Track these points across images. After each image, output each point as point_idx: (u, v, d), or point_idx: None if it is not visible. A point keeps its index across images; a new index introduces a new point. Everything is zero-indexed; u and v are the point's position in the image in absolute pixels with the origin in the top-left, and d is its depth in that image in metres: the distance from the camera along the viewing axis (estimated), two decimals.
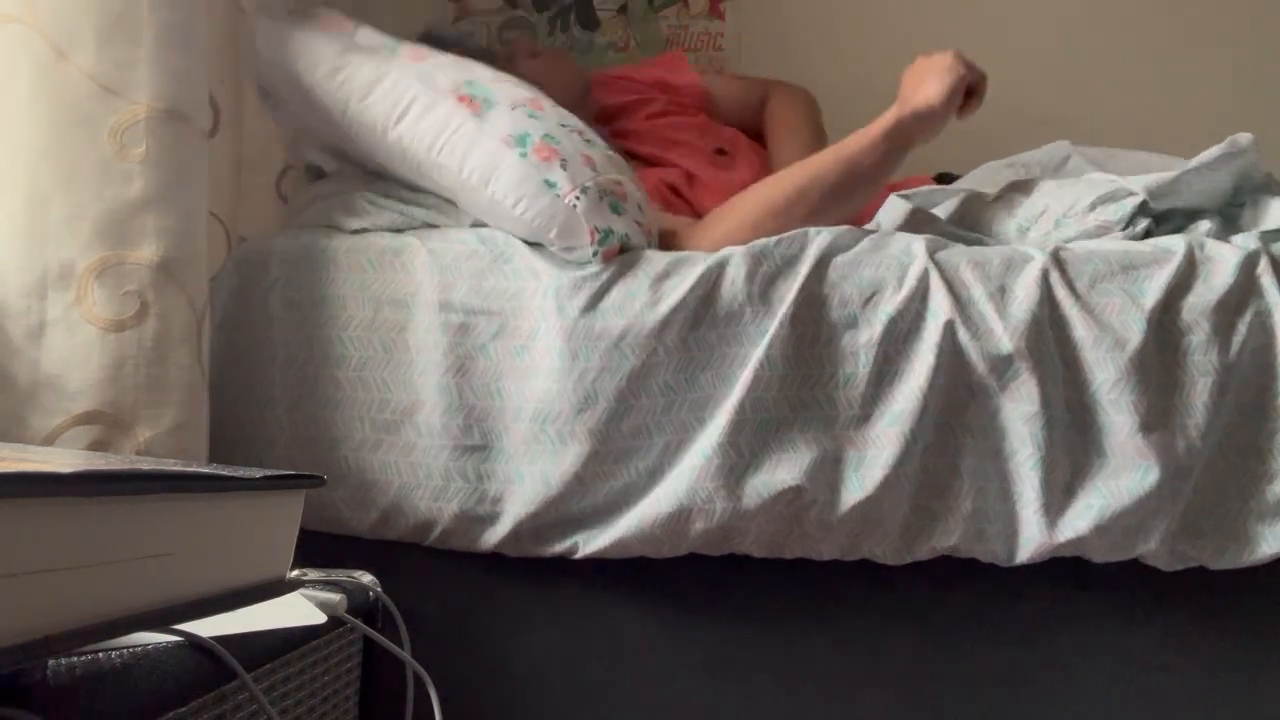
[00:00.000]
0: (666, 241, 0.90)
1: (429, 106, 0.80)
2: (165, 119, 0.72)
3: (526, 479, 0.77)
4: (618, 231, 0.80)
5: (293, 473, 0.48)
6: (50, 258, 0.69)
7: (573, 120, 0.87)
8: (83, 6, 0.69)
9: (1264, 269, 0.78)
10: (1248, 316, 0.77)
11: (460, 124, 0.80)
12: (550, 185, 0.78)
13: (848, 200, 0.89)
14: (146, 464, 0.44)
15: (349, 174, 0.91)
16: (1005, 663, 0.81)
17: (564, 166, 0.79)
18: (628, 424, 0.77)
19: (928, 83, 0.87)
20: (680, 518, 0.76)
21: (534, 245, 0.82)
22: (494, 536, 0.79)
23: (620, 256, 0.81)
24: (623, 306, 0.78)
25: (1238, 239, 0.82)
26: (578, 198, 0.78)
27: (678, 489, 0.76)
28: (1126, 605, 0.81)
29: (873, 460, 0.76)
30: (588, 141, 0.85)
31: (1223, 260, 0.79)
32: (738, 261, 0.79)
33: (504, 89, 0.84)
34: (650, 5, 1.78)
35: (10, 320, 0.69)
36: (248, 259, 0.86)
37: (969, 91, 0.89)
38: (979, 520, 0.76)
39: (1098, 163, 1.04)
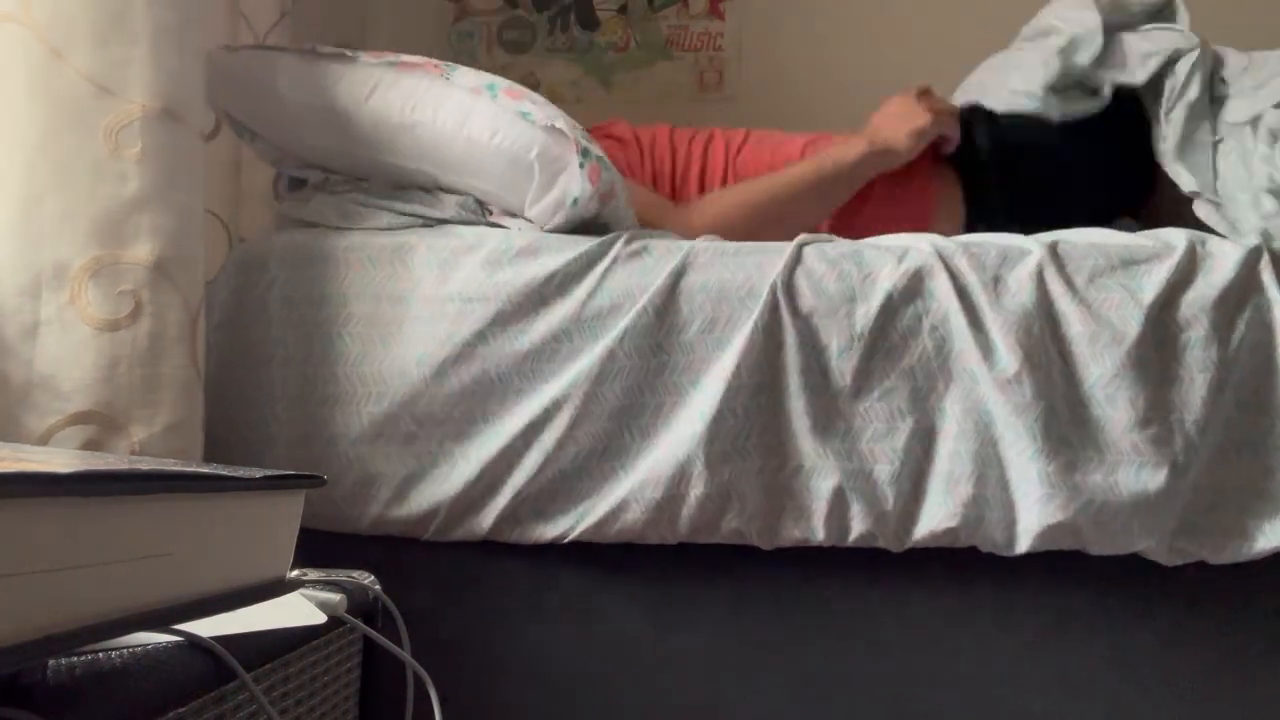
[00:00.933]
0: (646, 218, 0.94)
1: (398, 78, 0.84)
2: (160, 118, 0.71)
3: (523, 454, 0.78)
4: (593, 153, 0.83)
5: (292, 473, 0.48)
6: (44, 257, 0.69)
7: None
8: (78, 6, 0.69)
9: (1265, 265, 0.79)
10: (1247, 313, 0.77)
11: (429, 84, 0.83)
12: (524, 115, 0.82)
13: (808, 213, 1.01)
14: (146, 464, 0.44)
15: (335, 180, 0.92)
16: (1004, 660, 0.81)
17: (534, 102, 0.83)
18: (619, 384, 0.78)
19: (892, 126, 1.01)
20: (678, 481, 0.76)
21: (531, 239, 0.82)
22: (494, 512, 0.79)
23: (623, 242, 0.81)
24: (630, 287, 0.79)
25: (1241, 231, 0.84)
26: (553, 120, 0.82)
27: (676, 452, 0.77)
28: (1127, 601, 0.81)
29: (859, 432, 0.76)
30: (552, 106, 0.88)
31: (1223, 256, 0.79)
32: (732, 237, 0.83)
33: (463, 69, 0.88)
34: (650, 5, 1.78)
35: (4, 319, 0.69)
36: (246, 258, 0.86)
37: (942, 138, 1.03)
38: (979, 506, 0.77)
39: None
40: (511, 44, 1.79)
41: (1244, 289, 0.78)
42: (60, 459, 0.43)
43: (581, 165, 0.81)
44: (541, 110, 0.83)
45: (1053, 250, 0.80)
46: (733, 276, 0.79)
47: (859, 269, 0.79)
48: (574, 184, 0.81)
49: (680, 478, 0.76)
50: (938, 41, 1.73)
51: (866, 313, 0.77)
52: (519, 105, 0.82)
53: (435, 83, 0.83)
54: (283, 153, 0.94)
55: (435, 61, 0.85)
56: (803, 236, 0.83)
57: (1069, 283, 0.78)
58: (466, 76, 0.84)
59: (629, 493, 0.77)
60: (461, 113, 0.82)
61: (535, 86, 1.77)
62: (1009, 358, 0.75)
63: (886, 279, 0.78)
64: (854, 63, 1.72)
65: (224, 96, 0.90)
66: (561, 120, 0.82)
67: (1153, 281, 0.78)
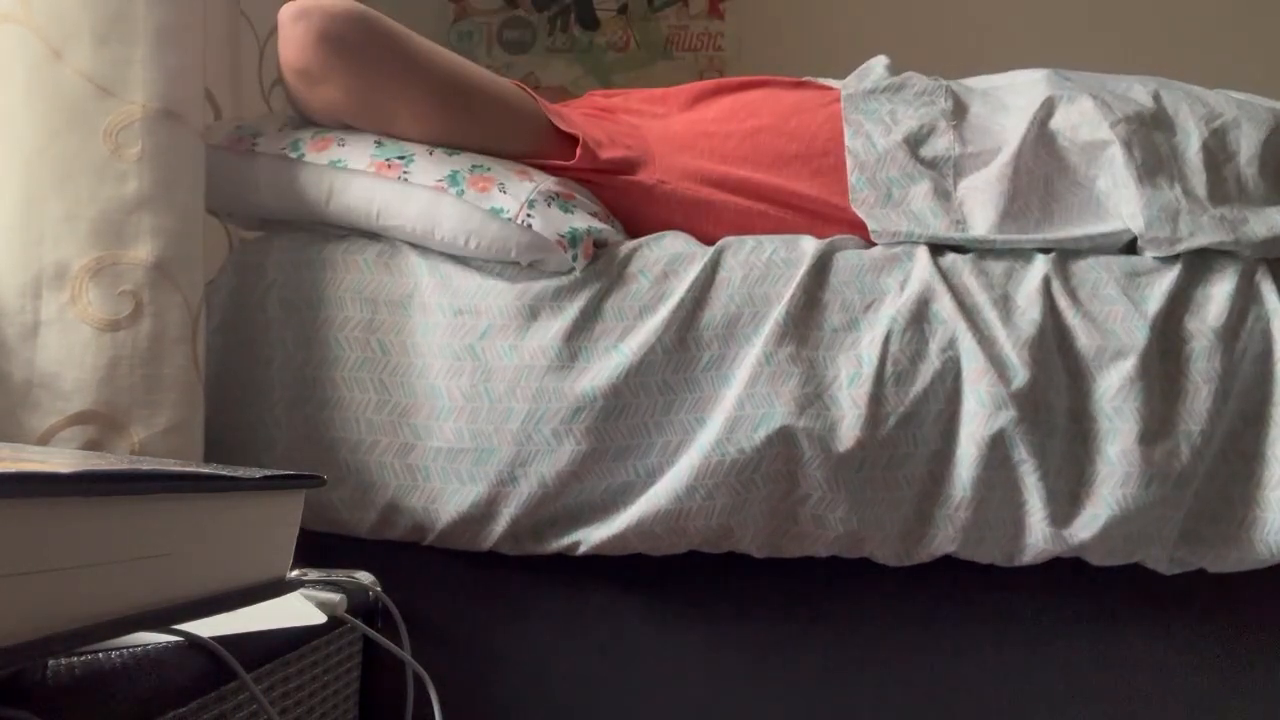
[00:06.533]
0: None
1: (347, 183, 0.80)
2: (161, 119, 0.71)
3: (521, 480, 0.77)
4: (580, 227, 0.80)
5: (292, 473, 0.48)
6: (45, 257, 0.69)
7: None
8: (79, 6, 0.69)
9: (1262, 275, 0.79)
10: (1249, 323, 0.77)
11: (386, 189, 0.80)
12: (496, 212, 0.78)
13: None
14: (146, 464, 0.44)
15: None
16: (1005, 663, 0.81)
17: (503, 190, 0.79)
18: (625, 423, 0.77)
19: None
20: (679, 515, 0.76)
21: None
22: (492, 536, 0.79)
23: (618, 258, 0.81)
24: (622, 308, 0.78)
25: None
26: (529, 215, 0.78)
27: (677, 486, 0.76)
28: (1126, 606, 0.81)
29: (874, 462, 0.76)
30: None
31: (1221, 268, 0.79)
32: (733, 264, 0.80)
33: (411, 143, 0.83)
34: (650, 5, 1.78)
35: (5, 320, 0.69)
36: (245, 261, 0.86)
37: None
38: (980, 528, 0.76)
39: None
40: (511, 44, 1.79)
41: (1244, 299, 0.78)
42: (60, 459, 0.43)
43: (575, 257, 0.78)
44: (512, 200, 0.77)
45: (1057, 263, 0.80)
46: (739, 310, 0.78)
47: (861, 297, 0.78)
48: (565, 264, 0.79)
49: (680, 513, 0.75)
50: (938, 41, 1.73)
51: (872, 341, 0.76)
52: (489, 200, 0.77)
53: (392, 187, 0.79)
54: (264, 225, 0.92)
55: (388, 159, 0.80)
56: (816, 250, 0.80)
57: (1073, 296, 0.78)
58: (425, 170, 0.79)
59: (629, 526, 0.76)
60: (430, 219, 0.78)
61: (535, 87, 1.78)
62: (1022, 374, 0.75)
63: (890, 305, 0.77)
64: (854, 63, 1.72)
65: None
66: (536, 211, 0.77)
67: (1156, 293, 0.77)
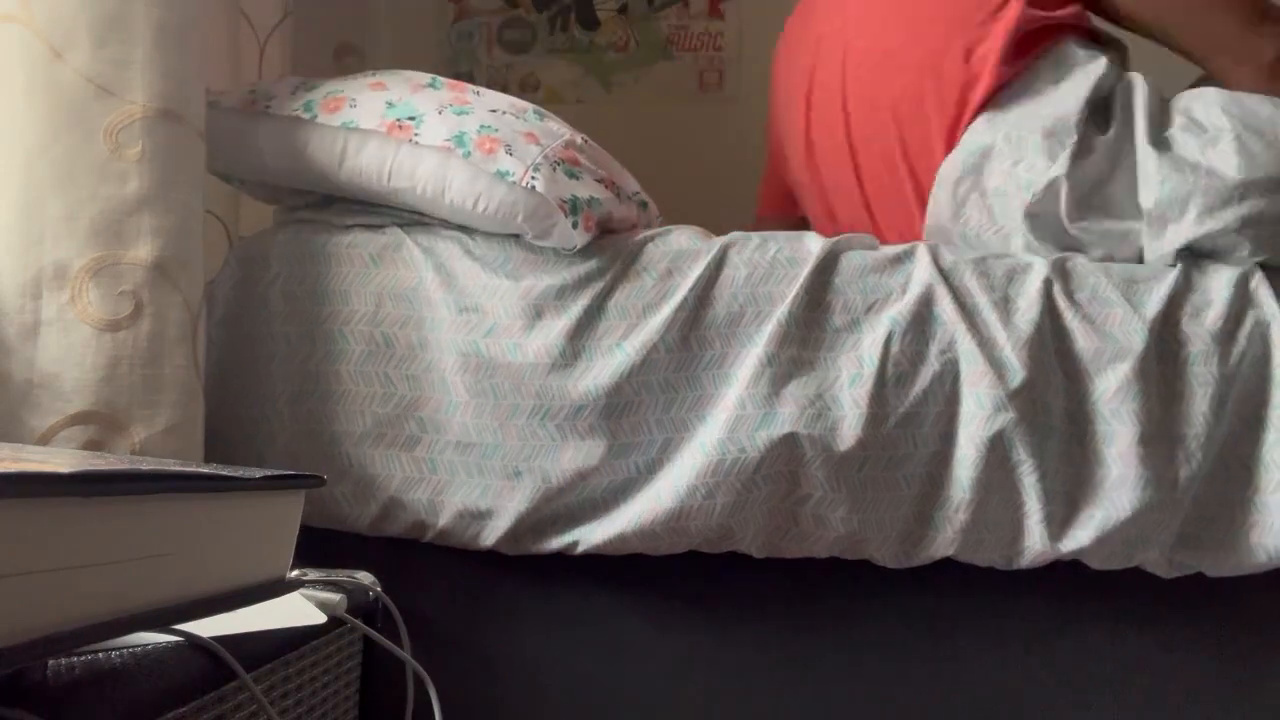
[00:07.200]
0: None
1: (362, 143, 0.81)
2: (161, 119, 0.71)
3: (524, 475, 0.77)
4: (583, 196, 0.80)
5: (293, 473, 0.48)
6: (45, 257, 0.69)
7: (503, 102, 0.87)
8: (78, 6, 0.69)
9: (1258, 281, 0.79)
10: (1246, 327, 0.77)
11: (396, 149, 0.80)
12: (502, 174, 0.78)
13: None
14: (146, 464, 0.44)
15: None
16: (1005, 663, 0.81)
17: (509, 152, 0.79)
18: (627, 421, 0.77)
19: None
20: (680, 514, 0.76)
21: (527, 248, 0.82)
22: (494, 533, 0.79)
23: (622, 254, 0.81)
24: (626, 307, 0.78)
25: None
26: (533, 177, 0.78)
27: (677, 486, 0.76)
28: (1125, 608, 0.81)
29: (875, 462, 0.76)
30: (523, 119, 0.85)
31: (1218, 273, 0.79)
32: (737, 262, 0.80)
33: (423, 96, 0.84)
34: (650, 5, 1.78)
35: (5, 320, 0.69)
36: (248, 254, 0.86)
37: None
38: (979, 530, 0.76)
39: None
40: (511, 44, 1.79)
41: (1241, 304, 0.78)
42: (61, 459, 0.43)
43: (575, 224, 0.78)
44: (518, 163, 0.78)
45: (1057, 267, 0.80)
46: (743, 309, 0.78)
47: (864, 298, 0.79)
48: (569, 237, 0.79)
49: (681, 513, 0.76)
50: None
51: (873, 342, 0.77)
52: (495, 163, 0.78)
53: (402, 148, 0.80)
54: (275, 193, 0.93)
55: (399, 119, 0.81)
56: (821, 250, 0.80)
57: (1072, 298, 0.78)
58: (434, 129, 0.80)
59: (629, 526, 0.76)
60: (439, 180, 0.79)
61: (535, 86, 1.78)
62: (1020, 375, 0.75)
63: (891, 306, 0.78)
64: None
65: (209, 157, 0.87)
66: (541, 174, 0.78)
67: (1155, 298, 0.78)
